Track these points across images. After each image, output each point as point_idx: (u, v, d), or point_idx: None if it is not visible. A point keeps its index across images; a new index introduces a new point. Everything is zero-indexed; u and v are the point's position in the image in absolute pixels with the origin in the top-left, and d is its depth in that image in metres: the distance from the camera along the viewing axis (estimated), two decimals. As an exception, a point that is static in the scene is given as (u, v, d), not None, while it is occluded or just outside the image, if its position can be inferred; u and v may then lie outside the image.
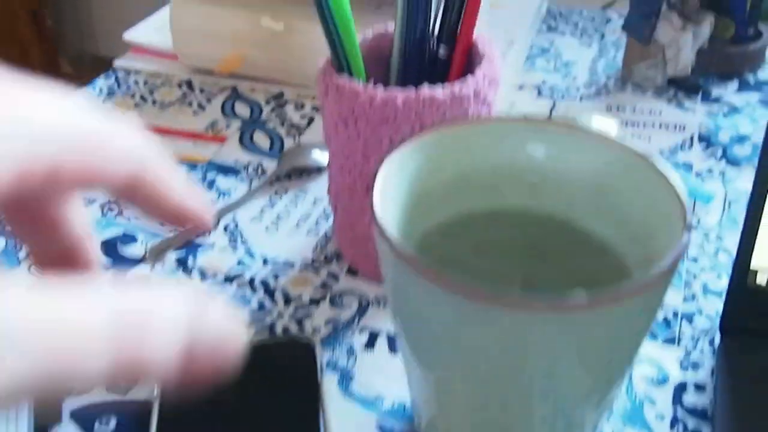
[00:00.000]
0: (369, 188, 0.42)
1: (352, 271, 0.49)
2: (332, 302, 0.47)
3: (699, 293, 0.47)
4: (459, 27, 0.42)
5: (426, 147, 0.35)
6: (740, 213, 0.53)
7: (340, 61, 0.42)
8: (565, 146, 0.36)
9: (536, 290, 0.36)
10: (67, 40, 2.42)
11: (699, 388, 0.42)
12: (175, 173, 0.22)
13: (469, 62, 0.43)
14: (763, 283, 0.44)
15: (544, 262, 0.37)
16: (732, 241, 0.51)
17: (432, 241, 0.36)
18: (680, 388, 0.42)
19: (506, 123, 0.36)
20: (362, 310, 0.46)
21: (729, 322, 0.44)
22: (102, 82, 0.71)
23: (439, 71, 0.42)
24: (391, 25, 0.44)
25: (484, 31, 0.71)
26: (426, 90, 0.39)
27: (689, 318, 0.46)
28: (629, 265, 0.35)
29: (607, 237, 0.36)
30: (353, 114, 0.40)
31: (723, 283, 0.48)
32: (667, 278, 0.29)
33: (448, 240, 0.36)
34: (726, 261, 0.50)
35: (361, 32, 0.44)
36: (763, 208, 0.42)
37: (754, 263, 0.43)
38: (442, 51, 0.41)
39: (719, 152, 0.60)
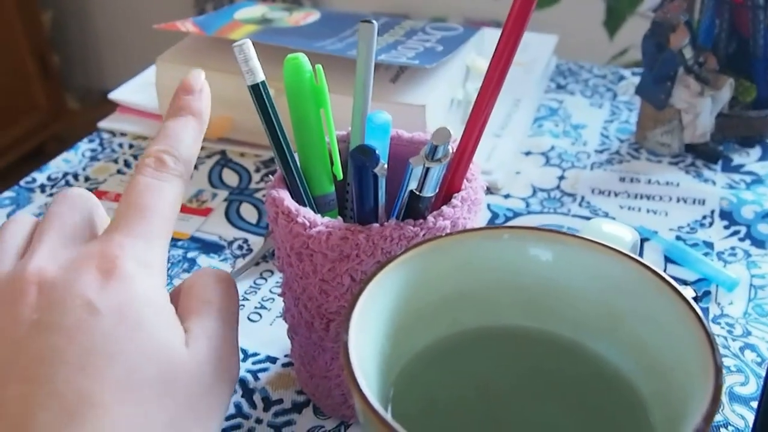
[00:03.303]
0: (329, 325, 0.37)
1: (339, 371, 0.44)
2: (317, 409, 0.42)
3: (725, 401, 0.42)
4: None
5: (412, 265, 0.30)
6: (768, 303, 0.49)
7: (292, 178, 0.37)
8: (572, 260, 0.31)
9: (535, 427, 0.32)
10: (74, 77, 2.41)
11: None
12: None
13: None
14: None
15: (546, 388, 0.33)
16: (759, 336, 0.46)
17: (417, 370, 0.31)
18: None
19: (506, 233, 0.32)
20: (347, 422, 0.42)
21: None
22: (85, 146, 0.67)
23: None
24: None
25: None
26: (393, 224, 0.34)
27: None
28: (646, 398, 0.31)
29: (620, 364, 0.31)
30: (307, 248, 0.35)
31: (751, 389, 0.43)
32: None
33: (435, 368, 0.32)
34: (754, 360, 0.45)
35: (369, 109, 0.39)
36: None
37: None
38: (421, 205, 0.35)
39: (743, 230, 0.55)
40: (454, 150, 0.36)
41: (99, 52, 2.42)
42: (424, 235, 0.34)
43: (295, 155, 0.38)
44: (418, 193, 0.34)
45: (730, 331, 0.47)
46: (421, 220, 0.34)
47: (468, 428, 0.31)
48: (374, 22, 0.36)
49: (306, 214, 0.35)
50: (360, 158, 0.33)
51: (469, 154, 0.36)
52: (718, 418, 0.41)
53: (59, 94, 2.21)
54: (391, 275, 0.29)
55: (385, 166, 0.33)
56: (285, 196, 0.36)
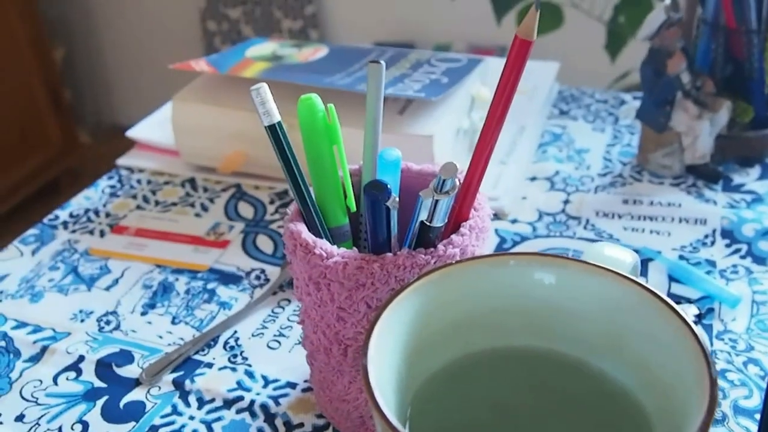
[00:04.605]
0: (347, 350, 0.39)
1: (357, 394, 0.46)
2: None
3: (730, 414, 0.44)
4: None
5: (426, 291, 0.32)
6: (769, 318, 0.50)
7: (308, 211, 0.39)
8: (577, 284, 0.33)
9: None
10: (85, 111, 2.45)
11: None
12: None
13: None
14: (799, 408, 0.40)
15: (554, 406, 0.34)
16: (762, 351, 0.48)
17: (432, 391, 0.33)
18: None
19: (512, 259, 0.33)
20: (367, 440, 0.44)
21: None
22: (105, 183, 0.70)
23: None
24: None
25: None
26: (406, 254, 0.36)
27: (720, 444, 0.43)
28: (649, 412, 0.32)
29: (625, 381, 0.33)
30: (325, 278, 0.37)
31: (755, 402, 0.45)
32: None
33: (450, 388, 0.34)
34: (757, 373, 0.46)
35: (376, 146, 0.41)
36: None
37: (788, 387, 0.40)
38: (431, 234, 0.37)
39: (744, 248, 0.57)
40: (462, 181, 0.38)
41: (109, 86, 2.46)
42: (435, 262, 0.36)
43: (311, 189, 0.40)
44: (428, 223, 0.36)
45: (733, 347, 0.48)
46: (432, 249, 0.36)
47: (482, 445, 0.32)
48: (382, 62, 0.38)
49: (323, 245, 0.37)
50: (373, 193, 0.35)
51: (475, 185, 0.38)
52: (722, 431, 0.43)
53: (71, 128, 2.24)
54: (405, 302, 0.31)
55: (397, 199, 0.35)
56: (302, 228, 0.39)
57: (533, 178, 0.67)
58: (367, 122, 0.39)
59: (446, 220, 0.37)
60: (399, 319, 0.31)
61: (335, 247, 0.37)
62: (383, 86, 0.39)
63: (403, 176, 0.42)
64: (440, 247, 0.36)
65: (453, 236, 0.37)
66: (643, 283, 0.31)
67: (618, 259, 0.35)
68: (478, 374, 0.35)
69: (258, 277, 0.57)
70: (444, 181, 0.34)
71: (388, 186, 0.35)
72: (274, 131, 0.38)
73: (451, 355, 0.34)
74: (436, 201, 0.35)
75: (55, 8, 2.28)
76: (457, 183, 0.35)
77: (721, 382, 0.46)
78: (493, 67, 0.73)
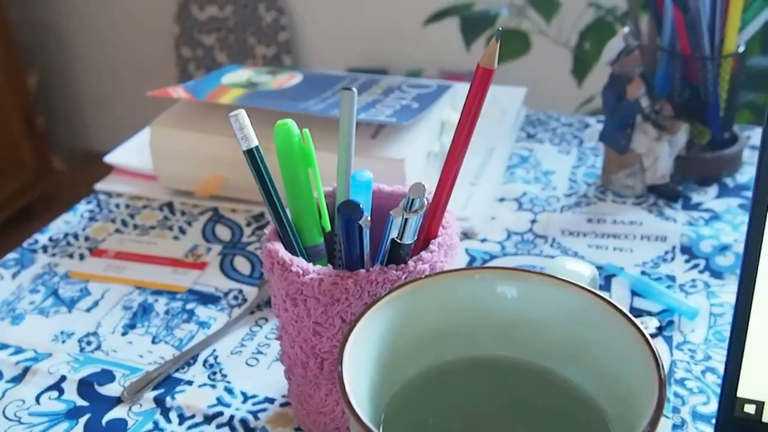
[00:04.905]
0: (323, 363, 0.41)
1: (333, 408, 0.48)
2: (313, 444, 0.46)
3: (689, 420, 0.46)
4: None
5: (397, 303, 0.34)
6: (726, 329, 0.53)
7: (284, 231, 0.41)
8: (538, 295, 0.35)
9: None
10: (59, 138, 2.46)
11: None
12: None
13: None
14: (752, 412, 0.43)
15: (522, 413, 0.36)
16: (719, 360, 0.50)
17: (404, 399, 0.35)
18: None
19: (477, 274, 0.36)
20: (344, 451, 0.45)
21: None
22: (83, 207, 0.71)
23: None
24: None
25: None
26: (378, 270, 0.38)
27: (679, 449, 0.45)
28: (608, 415, 0.34)
29: (586, 387, 0.35)
30: (301, 294, 0.39)
31: (712, 408, 0.47)
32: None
33: (421, 397, 0.36)
34: (714, 381, 0.49)
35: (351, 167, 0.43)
36: (745, 340, 0.42)
37: (741, 392, 0.42)
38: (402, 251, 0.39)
39: (702, 263, 0.59)
40: (430, 201, 0.40)
41: (83, 112, 2.47)
42: (405, 278, 0.38)
43: (287, 210, 0.42)
44: (398, 241, 0.38)
45: (692, 356, 0.51)
46: (403, 265, 0.38)
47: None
48: (354, 90, 0.41)
49: (299, 263, 0.39)
50: (347, 212, 0.37)
51: (443, 204, 0.40)
52: (682, 436, 0.45)
53: (45, 154, 2.25)
54: (377, 314, 0.33)
55: (369, 218, 0.37)
56: (279, 248, 0.40)
57: (502, 199, 0.69)
58: (341, 146, 0.41)
59: (416, 238, 0.39)
60: (372, 330, 0.33)
61: (311, 264, 0.39)
62: (355, 112, 0.42)
63: (375, 197, 0.44)
64: (410, 263, 0.38)
65: (422, 253, 0.39)
66: (602, 294, 0.34)
67: (577, 272, 0.37)
68: (448, 383, 0.36)
69: (236, 297, 0.59)
70: (413, 200, 0.36)
71: (361, 206, 0.37)
72: (252, 155, 0.40)
73: (422, 365, 0.36)
74: (406, 219, 0.37)
75: (29, 34, 2.29)
76: (426, 202, 0.37)
77: (680, 390, 0.48)
78: (462, 92, 0.75)
